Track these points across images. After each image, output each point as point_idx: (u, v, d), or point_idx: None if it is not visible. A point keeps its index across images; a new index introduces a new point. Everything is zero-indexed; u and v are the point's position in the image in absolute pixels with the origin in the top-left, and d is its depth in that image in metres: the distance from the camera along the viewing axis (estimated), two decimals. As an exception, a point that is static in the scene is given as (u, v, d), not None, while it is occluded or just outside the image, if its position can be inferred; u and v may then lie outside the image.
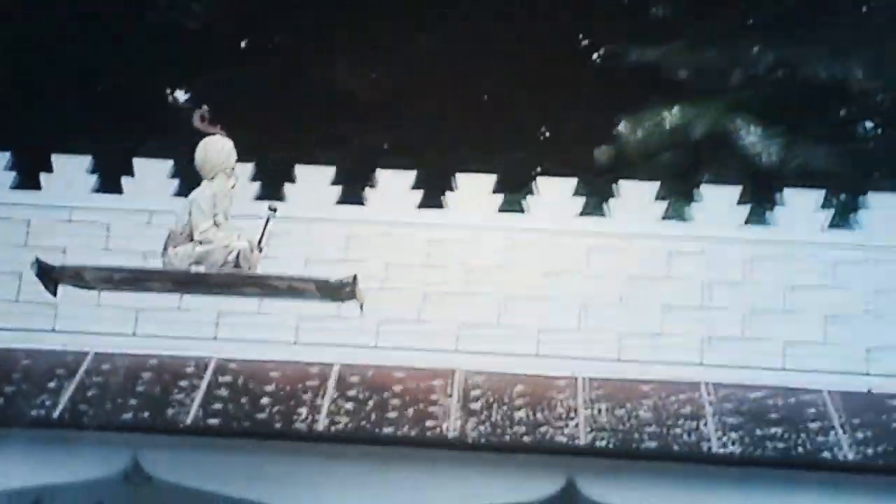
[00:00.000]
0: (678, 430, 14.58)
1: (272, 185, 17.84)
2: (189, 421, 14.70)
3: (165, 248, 14.88)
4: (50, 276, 15.22)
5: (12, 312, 16.80)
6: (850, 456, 14.03)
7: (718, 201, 17.11)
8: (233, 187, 15.18)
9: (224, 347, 16.31)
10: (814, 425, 14.69)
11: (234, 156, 15.31)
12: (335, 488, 14.96)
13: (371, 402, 15.36)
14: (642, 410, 15.33)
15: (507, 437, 14.72)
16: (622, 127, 28.03)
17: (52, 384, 15.42)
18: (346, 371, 16.02)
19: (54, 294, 15.30)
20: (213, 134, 15.22)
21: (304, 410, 15.14)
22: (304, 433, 14.83)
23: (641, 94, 28.33)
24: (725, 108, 28.00)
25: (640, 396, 15.58)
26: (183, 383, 15.37)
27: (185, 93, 31.89)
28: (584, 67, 31.84)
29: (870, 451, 14.08)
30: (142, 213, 16.90)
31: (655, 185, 17.60)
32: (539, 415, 15.16)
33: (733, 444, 14.42)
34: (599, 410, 15.11)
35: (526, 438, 14.76)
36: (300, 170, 18.02)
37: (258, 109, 26.41)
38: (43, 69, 29.25)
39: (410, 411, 15.28)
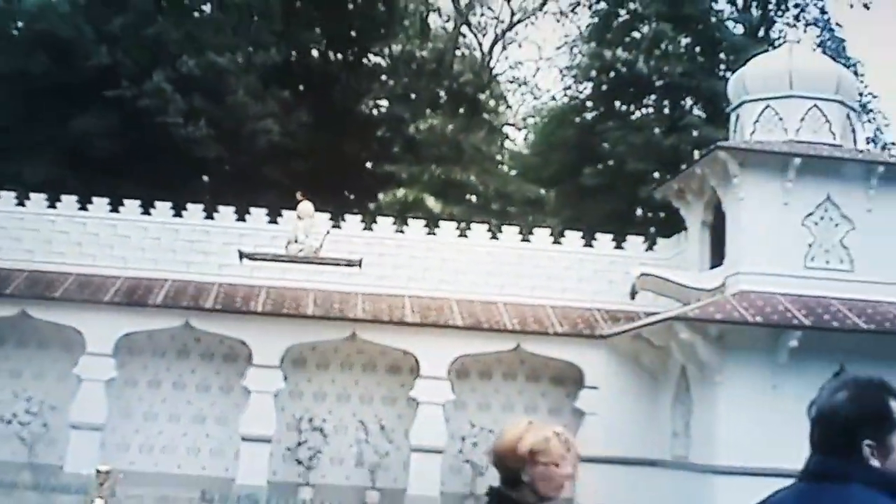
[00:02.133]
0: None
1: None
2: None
3: (287, 246, 25.47)
4: (243, 255, 25.72)
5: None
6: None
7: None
8: (312, 222, 25.55)
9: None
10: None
11: (312, 208, 26.11)
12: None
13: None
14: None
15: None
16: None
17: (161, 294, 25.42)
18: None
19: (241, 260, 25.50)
20: (305, 200, 26.10)
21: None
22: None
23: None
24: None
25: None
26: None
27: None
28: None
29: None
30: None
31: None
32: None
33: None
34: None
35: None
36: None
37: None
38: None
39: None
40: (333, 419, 26.97)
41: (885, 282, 23.79)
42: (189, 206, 28.37)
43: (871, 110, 40.81)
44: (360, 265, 25.98)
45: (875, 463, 3.85)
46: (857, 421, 3.92)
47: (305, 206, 26.68)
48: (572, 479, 4.56)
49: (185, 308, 25.79)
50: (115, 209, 28.26)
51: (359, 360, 27.48)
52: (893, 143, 40.51)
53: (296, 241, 26.02)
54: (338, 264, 26.16)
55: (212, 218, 28.24)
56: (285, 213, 27.83)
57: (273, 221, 28.03)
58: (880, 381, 4.02)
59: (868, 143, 38.46)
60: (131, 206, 28.23)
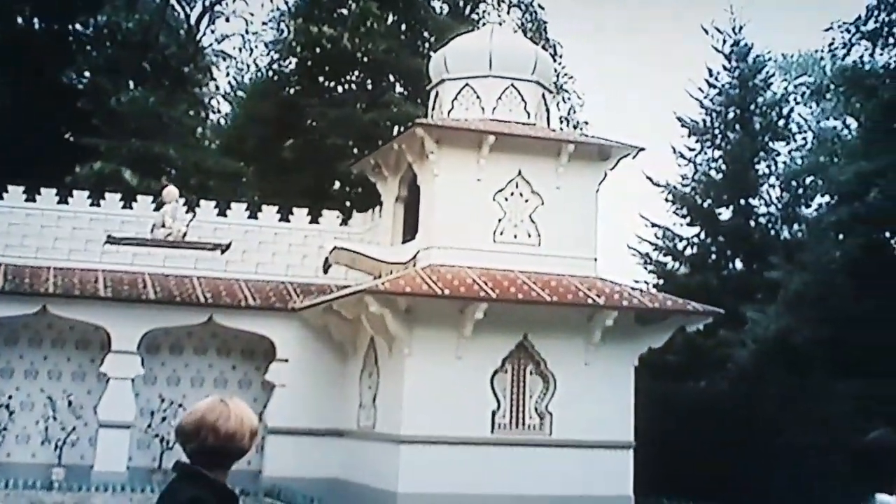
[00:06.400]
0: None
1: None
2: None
3: (152, 230, 25.47)
4: (110, 240, 25.73)
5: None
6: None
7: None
8: (178, 206, 25.64)
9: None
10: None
11: (177, 193, 26.28)
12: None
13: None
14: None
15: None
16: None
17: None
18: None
19: (104, 244, 25.61)
20: (169, 185, 26.20)
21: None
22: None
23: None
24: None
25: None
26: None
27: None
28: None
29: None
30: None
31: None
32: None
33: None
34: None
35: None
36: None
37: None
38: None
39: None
40: (20, 396, 26.43)
41: (569, 255, 24.69)
42: None
43: (566, 91, 41.88)
44: (225, 250, 26.33)
45: None
46: None
47: (170, 190, 26.74)
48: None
49: None
50: None
51: (49, 336, 26.95)
52: (586, 123, 41.72)
53: (163, 226, 25.96)
54: (204, 248, 26.27)
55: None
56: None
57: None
58: None
59: (562, 122, 39.67)
60: None
